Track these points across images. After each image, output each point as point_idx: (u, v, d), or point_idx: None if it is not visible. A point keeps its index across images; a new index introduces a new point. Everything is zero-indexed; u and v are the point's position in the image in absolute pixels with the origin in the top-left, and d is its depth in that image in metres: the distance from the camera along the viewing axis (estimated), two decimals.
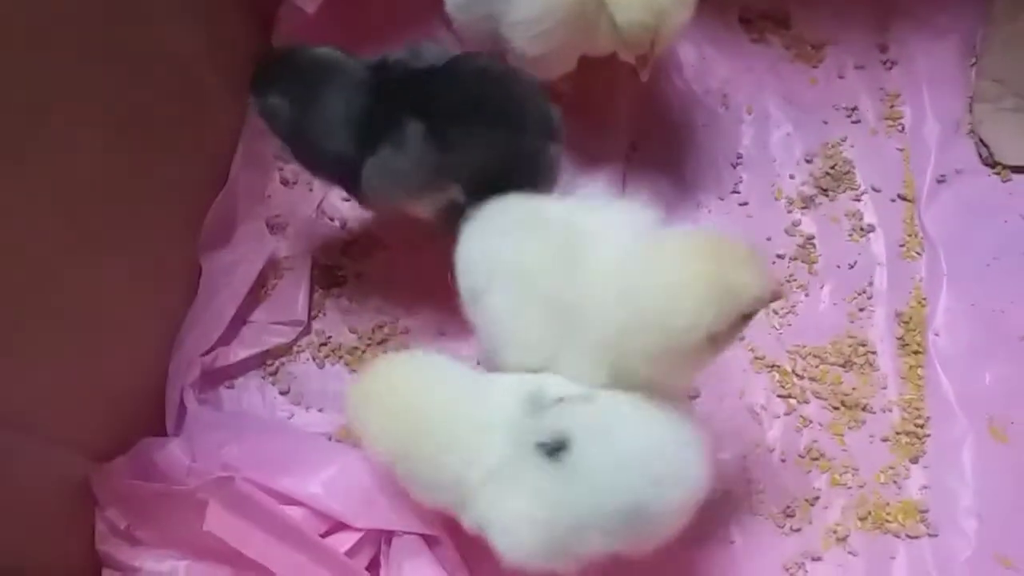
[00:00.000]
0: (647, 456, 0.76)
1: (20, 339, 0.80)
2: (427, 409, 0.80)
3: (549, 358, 0.81)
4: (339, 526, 0.89)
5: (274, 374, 1.06)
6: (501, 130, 0.91)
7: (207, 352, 1.02)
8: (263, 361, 1.06)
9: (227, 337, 1.04)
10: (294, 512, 0.88)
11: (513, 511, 0.76)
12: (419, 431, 0.79)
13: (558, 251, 0.81)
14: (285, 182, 1.15)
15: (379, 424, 0.81)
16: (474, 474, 0.77)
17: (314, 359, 1.06)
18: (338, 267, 1.11)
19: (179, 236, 1.05)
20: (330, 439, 1.00)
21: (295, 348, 1.07)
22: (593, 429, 0.76)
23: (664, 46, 0.96)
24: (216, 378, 1.03)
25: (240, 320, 1.06)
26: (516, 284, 0.82)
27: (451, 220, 0.94)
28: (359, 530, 0.88)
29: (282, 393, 1.04)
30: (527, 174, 0.92)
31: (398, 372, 0.83)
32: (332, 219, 1.13)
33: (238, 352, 1.04)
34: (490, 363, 0.86)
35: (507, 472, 0.76)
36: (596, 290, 0.79)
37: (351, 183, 0.95)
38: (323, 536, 0.87)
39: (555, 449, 0.75)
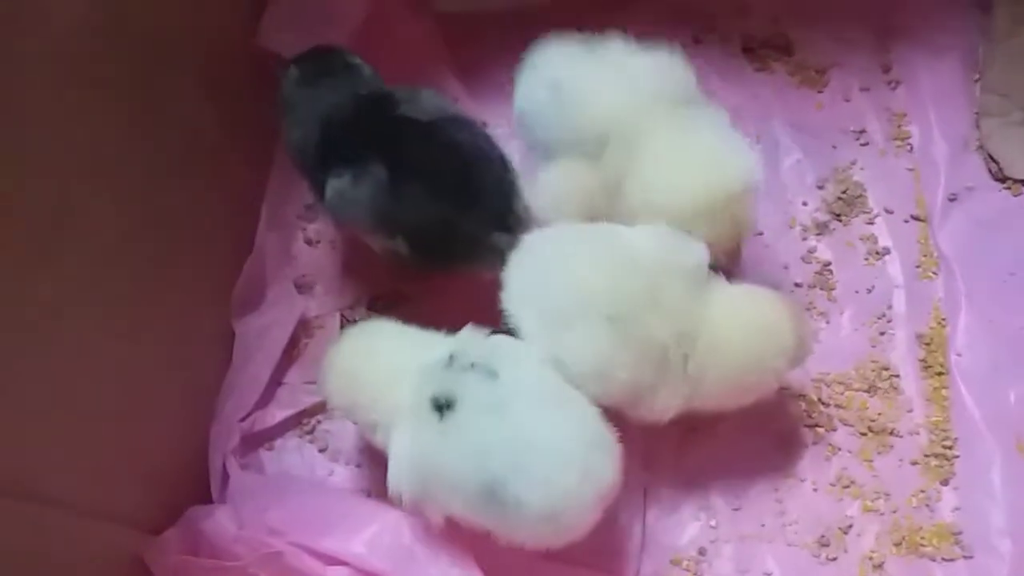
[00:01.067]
0: (518, 446, 0.80)
1: (60, 420, 0.82)
2: (364, 366, 0.90)
3: (632, 394, 0.86)
4: None
5: (311, 432, 1.08)
6: (447, 205, 0.93)
7: (245, 417, 1.04)
8: (300, 421, 1.08)
9: (264, 400, 1.06)
10: (339, 573, 0.91)
11: (399, 449, 0.85)
12: (357, 385, 0.90)
13: (650, 291, 0.85)
14: (309, 242, 1.17)
15: (332, 384, 0.92)
16: (393, 416, 0.86)
17: None
18: None
19: (211, 304, 1.08)
20: (370, 495, 1.02)
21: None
22: (480, 402, 0.82)
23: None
24: (256, 441, 1.06)
25: (275, 382, 1.08)
26: (611, 324, 0.85)
27: (396, 262, 1.00)
28: None
29: (321, 451, 1.06)
30: (465, 254, 0.95)
31: (350, 339, 0.94)
32: (355, 274, 1.15)
33: (275, 414, 1.06)
34: None
35: (409, 415, 0.84)
36: (691, 335, 0.86)
37: (314, 186, 0.99)
38: None
39: (440, 407, 0.82)
